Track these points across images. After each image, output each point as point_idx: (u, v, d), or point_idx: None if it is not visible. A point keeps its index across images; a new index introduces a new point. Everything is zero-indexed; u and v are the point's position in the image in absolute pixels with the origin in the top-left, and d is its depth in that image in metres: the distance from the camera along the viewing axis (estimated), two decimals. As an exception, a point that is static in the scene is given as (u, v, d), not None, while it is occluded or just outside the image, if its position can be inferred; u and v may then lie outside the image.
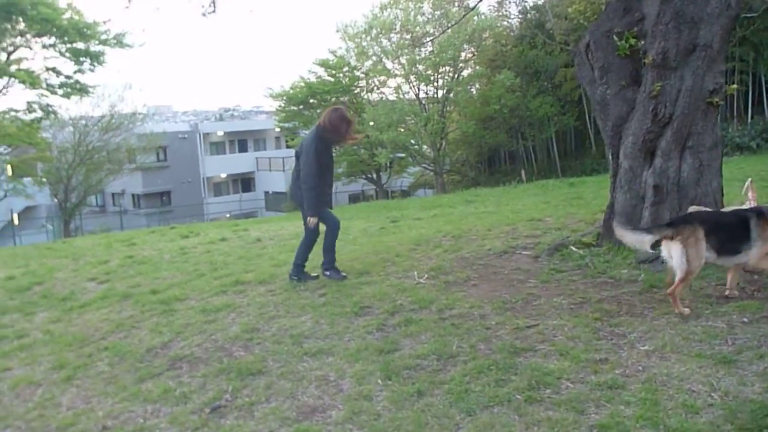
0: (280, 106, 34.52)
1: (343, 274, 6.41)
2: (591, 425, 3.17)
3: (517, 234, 7.88)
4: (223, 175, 42.30)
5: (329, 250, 6.45)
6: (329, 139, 6.37)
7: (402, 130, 30.19)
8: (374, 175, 35.56)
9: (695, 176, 6.00)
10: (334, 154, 6.71)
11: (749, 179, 6.49)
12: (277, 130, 39.22)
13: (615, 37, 6.24)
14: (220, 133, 43.53)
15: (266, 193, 41.92)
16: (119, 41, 24.33)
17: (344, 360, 4.31)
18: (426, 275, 6.16)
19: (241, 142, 44.22)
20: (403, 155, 32.68)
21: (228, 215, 37.31)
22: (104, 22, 23.75)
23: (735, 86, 11.33)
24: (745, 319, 4.35)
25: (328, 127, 6.23)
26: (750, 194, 6.26)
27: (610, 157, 6.46)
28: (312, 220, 6.29)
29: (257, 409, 3.77)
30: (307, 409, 3.70)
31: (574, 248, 6.56)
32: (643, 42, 6.14)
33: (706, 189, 6.07)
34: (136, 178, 36.89)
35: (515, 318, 4.76)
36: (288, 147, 39.90)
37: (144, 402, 4.03)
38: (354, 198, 38.18)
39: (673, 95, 5.82)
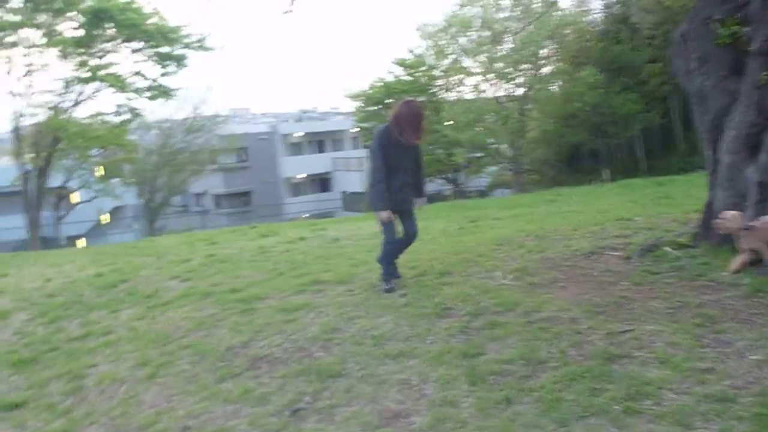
0: (358, 106, 34.73)
1: (390, 286, 6.02)
2: (700, 443, 2.90)
3: (605, 234, 7.51)
4: (302, 176, 42.98)
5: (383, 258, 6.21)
6: (396, 133, 5.85)
7: (480, 129, 29.76)
8: (451, 175, 35.25)
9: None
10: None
11: None
12: (355, 130, 39.49)
13: (715, 24, 5.83)
14: (299, 133, 44.28)
15: (343, 193, 42.29)
16: (201, 44, 25.06)
17: (427, 363, 4.15)
18: (510, 276, 5.92)
19: (319, 142, 44.84)
20: (481, 155, 32.25)
21: (306, 215, 37.88)
22: (185, 26, 24.52)
23: None
24: None
25: (395, 121, 5.85)
26: None
27: (710, 152, 6.04)
28: (382, 215, 5.97)
29: (338, 412, 3.66)
30: (389, 414, 3.56)
31: (668, 249, 6.16)
32: (746, 29, 5.70)
33: (820, 185, 5.57)
34: (218, 179, 37.99)
35: (608, 322, 4.47)
36: (365, 147, 40.14)
37: (224, 402, 3.99)
38: (431, 198, 37.81)
39: (781, 85, 5.37)
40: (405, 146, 5.90)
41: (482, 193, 35.89)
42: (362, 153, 41.95)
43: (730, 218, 5.32)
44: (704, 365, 3.64)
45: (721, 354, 3.78)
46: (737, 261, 5.28)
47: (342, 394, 3.87)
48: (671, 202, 11.38)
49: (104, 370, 4.85)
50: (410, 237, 6.25)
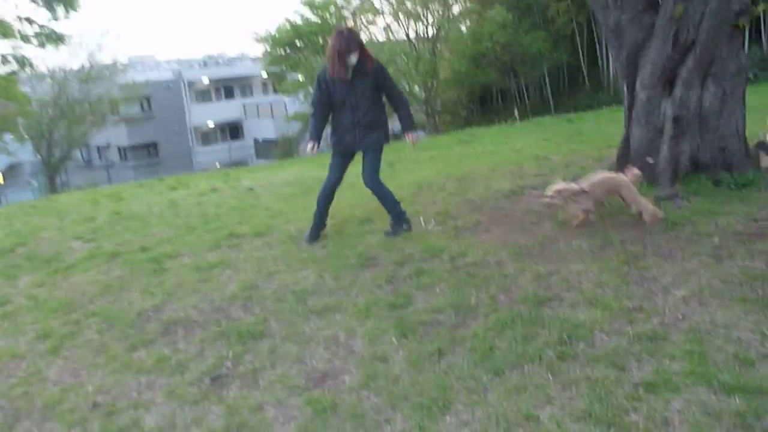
0: (265, 50, 33.51)
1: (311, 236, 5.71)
2: (635, 383, 2.85)
3: (524, 173, 7.49)
4: (211, 124, 41.45)
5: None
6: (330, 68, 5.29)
7: (392, 70, 29.37)
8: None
9: (718, 106, 5.61)
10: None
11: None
12: (264, 75, 38.25)
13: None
14: (206, 80, 42.45)
15: (255, 140, 41.20)
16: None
17: (353, 317, 3.97)
18: (433, 221, 5.79)
19: (227, 89, 43.20)
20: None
21: (217, 164, 36.74)
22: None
23: (764, 5, 10.00)
24: (785, 257, 4.02)
25: (328, 54, 5.30)
26: (773, 124, 5.87)
27: (625, 88, 6.03)
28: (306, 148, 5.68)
29: (262, 376, 3.44)
30: (317, 375, 3.37)
31: (587, 186, 6.17)
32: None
33: (729, 119, 5.68)
34: (121, 131, 36.08)
35: (535, 264, 4.41)
36: (276, 92, 39.03)
37: (137, 373, 3.68)
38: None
39: (696, 18, 5.36)
40: (350, 81, 5.25)
41: (395, 136, 35.70)
42: (273, 99, 40.84)
43: (560, 191, 5.05)
44: (632, 304, 3.62)
45: (647, 291, 3.78)
46: (576, 218, 5.17)
47: (265, 357, 3.64)
48: (583, 138, 11.55)
49: (1, 346, 4.41)
50: (329, 181, 5.71)
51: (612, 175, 5.23)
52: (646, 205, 5.02)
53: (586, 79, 29.68)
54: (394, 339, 3.60)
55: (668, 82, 5.62)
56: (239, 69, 45.70)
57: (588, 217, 5.11)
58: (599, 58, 29.24)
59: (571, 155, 8.52)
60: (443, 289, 4.18)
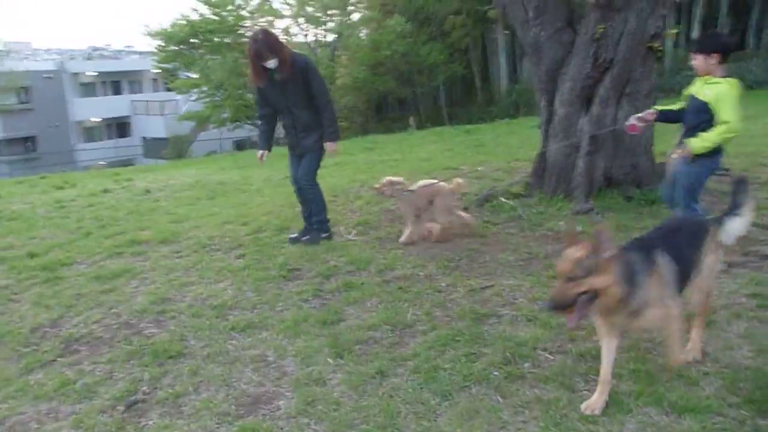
0: (159, 45, 32.05)
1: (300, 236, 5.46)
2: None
3: (438, 184, 7.45)
4: (96, 119, 39.15)
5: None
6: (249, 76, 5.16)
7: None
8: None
9: (635, 125, 5.76)
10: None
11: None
12: (155, 71, 36.60)
13: (552, -25, 5.82)
14: (91, 72, 40.07)
15: (144, 139, 39.34)
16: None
17: (282, 335, 3.71)
18: (354, 231, 5.62)
19: (114, 83, 40.96)
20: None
21: (102, 162, 34.76)
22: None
23: (676, 30, 10.53)
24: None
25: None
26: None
27: (543, 103, 6.11)
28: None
29: (185, 402, 3.12)
30: (248, 400, 3.09)
31: (503, 199, 6.21)
32: (582, -20, 5.77)
33: (640, 137, 5.86)
34: (-5, 122, 33.32)
35: (466, 278, 4.33)
36: (168, 89, 37.49)
37: (35, 400, 3.25)
38: (240, 144, 36.57)
39: (615, 38, 5.50)
40: (281, 85, 5.00)
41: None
42: (164, 96, 39.21)
43: (391, 182, 5.25)
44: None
45: (582, 307, 3.77)
46: (406, 234, 5.27)
47: (187, 379, 3.32)
48: (486, 150, 11.74)
49: None
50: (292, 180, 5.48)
51: (434, 182, 5.43)
52: (458, 216, 5.30)
53: (479, 92, 30.50)
54: (329, 359, 3.38)
55: (586, 99, 5.74)
56: (127, 63, 43.55)
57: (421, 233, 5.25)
58: (492, 73, 30.19)
59: (481, 166, 8.59)
60: (375, 305, 4.01)
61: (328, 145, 5.19)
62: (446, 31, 29.43)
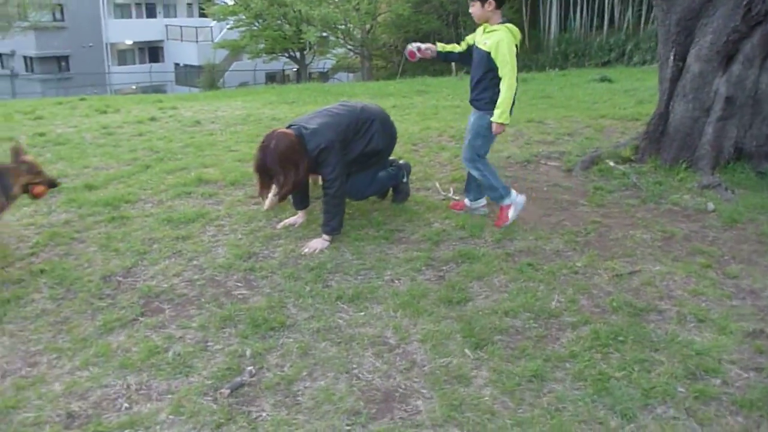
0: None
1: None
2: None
3: (528, 138, 6.78)
4: (129, 42, 38.29)
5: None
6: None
7: (333, 6, 27.86)
8: (298, 54, 33.09)
9: (780, 91, 5.04)
10: None
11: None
12: (192, -5, 35.63)
13: None
14: (125, -6, 39.08)
15: (176, 65, 38.56)
16: None
17: (400, 312, 3.16)
18: (452, 188, 5.00)
19: (149, 6, 39.82)
20: (329, 34, 30.41)
21: (134, 86, 34.16)
22: None
23: None
24: None
25: None
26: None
27: (671, 57, 5.36)
28: None
29: (301, 390, 2.59)
30: (378, 395, 2.56)
31: (612, 163, 5.55)
32: None
33: (782, 106, 5.14)
34: (29, 39, 32.50)
35: (603, 259, 3.72)
36: (202, 15, 36.52)
37: (122, 370, 2.75)
38: (271, 77, 35.71)
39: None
40: None
41: (323, 76, 34.37)
42: (199, 22, 38.25)
43: None
44: (749, 325, 2.99)
45: (756, 309, 3.17)
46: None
47: (298, 360, 2.79)
48: (557, 102, 10.93)
49: None
50: None
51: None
52: None
53: (526, 38, 29.23)
54: (466, 350, 2.83)
55: (727, 56, 5.00)
56: (163, -15, 42.38)
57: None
58: (541, 19, 28.87)
59: (567, 122, 7.87)
60: (505, 284, 3.43)
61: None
62: (498, -29, 28.06)
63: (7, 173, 3.74)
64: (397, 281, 3.48)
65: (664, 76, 5.46)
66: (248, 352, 2.85)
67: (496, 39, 3.81)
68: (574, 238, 4.00)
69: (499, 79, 3.86)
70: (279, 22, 28.97)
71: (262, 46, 30.49)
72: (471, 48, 4.13)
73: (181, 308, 3.26)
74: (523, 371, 2.65)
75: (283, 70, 36.52)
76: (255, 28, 29.91)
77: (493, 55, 3.83)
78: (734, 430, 2.32)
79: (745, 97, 5.03)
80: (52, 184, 4.06)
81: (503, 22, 3.88)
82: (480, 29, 4.00)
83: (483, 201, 4.43)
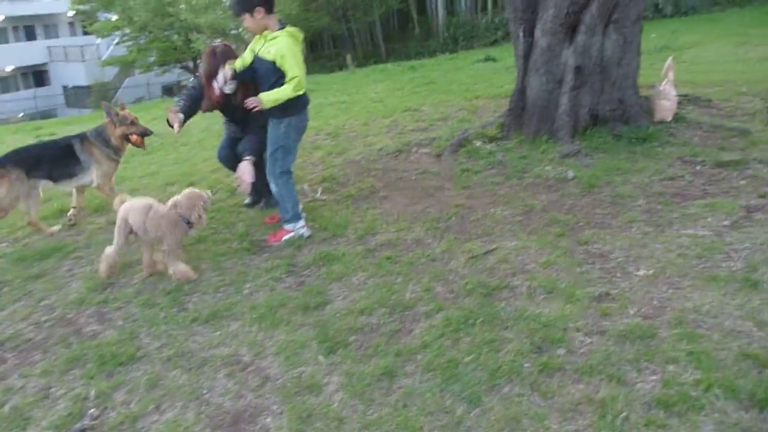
0: (72, -16, 29.69)
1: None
2: (647, 402, 2.29)
3: (402, 128, 6.82)
4: (9, 68, 36.35)
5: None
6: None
7: (221, 12, 27.29)
8: (192, 64, 32.27)
9: (618, 55, 5.25)
10: None
11: (670, 58, 5.88)
12: (71, 13, 34.09)
13: None
14: (0, 17, 36.99)
15: (65, 87, 36.90)
16: None
17: (256, 326, 3.08)
18: (320, 189, 4.95)
19: (27, 28, 37.93)
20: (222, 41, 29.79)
21: (21, 114, 32.44)
22: None
23: None
24: (726, 222, 3.71)
25: None
26: (670, 74, 5.65)
27: (520, 34, 5.48)
28: None
29: (148, 426, 2.49)
30: (226, 418, 2.48)
31: (478, 143, 5.64)
32: None
33: (627, 69, 5.36)
34: None
35: (462, 241, 3.76)
36: (85, 33, 35.06)
37: None
38: (168, 90, 34.71)
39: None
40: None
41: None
42: (83, 40, 36.70)
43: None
44: (596, 290, 3.08)
45: (603, 272, 3.27)
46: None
47: (146, 393, 2.67)
48: (438, 87, 11.05)
49: None
50: None
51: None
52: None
53: (416, 26, 29.52)
54: (320, 356, 2.79)
55: (571, 28, 5.15)
56: (40, 6, 40.32)
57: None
58: (428, 6, 29.24)
59: (442, 107, 7.97)
60: (363, 281, 3.40)
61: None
62: (381, -38, 28.16)
63: (105, 128, 4.61)
64: (256, 294, 3.40)
65: (518, 53, 5.58)
66: (92, 393, 2.71)
67: (280, 46, 3.66)
68: (435, 225, 4.03)
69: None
70: (166, 32, 28.21)
71: (152, 59, 29.64)
72: (255, 59, 3.88)
73: (26, 355, 3.08)
74: (374, 370, 2.62)
75: (179, 82, 35.54)
76: (142, 41, 29.02)
77: (278, 63, 3.68)
78: (575, 398, 2.36)
79: (593, 65, 5.20)
80: (144, 133, 4.69)
81: (282, 27, 3.73)
82: (261, 38, 3.80)
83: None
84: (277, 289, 3.42)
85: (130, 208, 3.62)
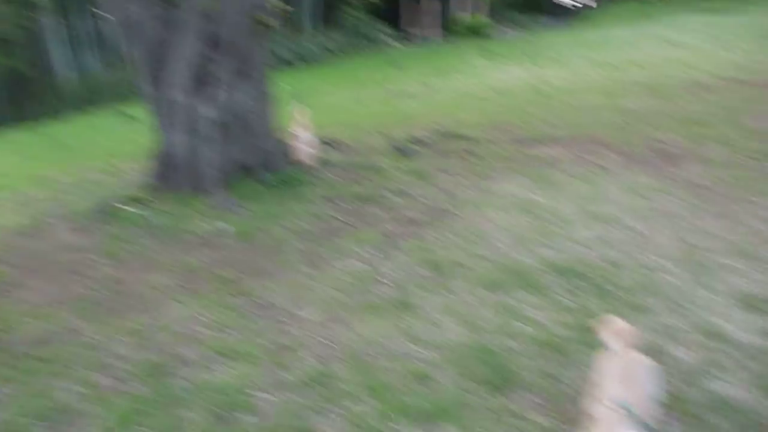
0: None
1: None
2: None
3: (30, 199, 6.05)
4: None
5: None
6: None
7: None
8: None
9: (253, 104, 5.45)
10: None
11: (297, 105, 6.23)
12: None
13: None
14: None
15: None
16: None
17: None
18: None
19: None
20: None
21: None
22: None
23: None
24: (372, 251, 4.02)
25: None
26: (301, 119, 5.98)
27: (153, 89, 5.29)
28: None
29: None
30: None
31: (127, 208, 5.27)
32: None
33: (264, 118, 5.61)
34: None
35: (120, 318, 3.42)
36: None
37: None
38: None
39: (222, 13, 5.00)
40: None
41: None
42: None
43: None
44: (268, 343, 3.05)
45: (274, 322, 3.27)
46: None
47: None
48: (75, 152, 10.10)
49: None
50: None
51: None
52: None
53: (41, 87, 26.99)
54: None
55: (203, 82, 5.14)
56: None
57: None
58: (51, 65, 27.03)
59: (77, 172, 7.28)
60: (8, 394, 2.85)
61: None
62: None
63: None
64: None
65: (153, 110, 5.39)
66: None
67: None
68: (85, 306, 3.61)
69: None
70: None
71: None
72: None
73: None
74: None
75: None
76: None
77: None
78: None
79: (231, 117, 5.27)
80: None
81: None
82: None
83: None
84: None
85: None
